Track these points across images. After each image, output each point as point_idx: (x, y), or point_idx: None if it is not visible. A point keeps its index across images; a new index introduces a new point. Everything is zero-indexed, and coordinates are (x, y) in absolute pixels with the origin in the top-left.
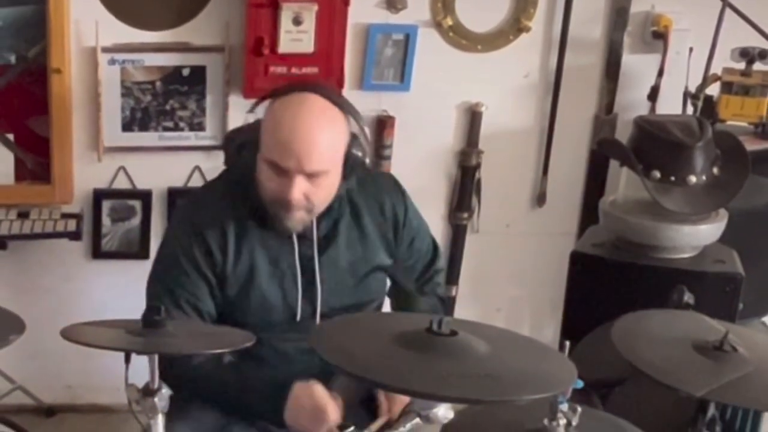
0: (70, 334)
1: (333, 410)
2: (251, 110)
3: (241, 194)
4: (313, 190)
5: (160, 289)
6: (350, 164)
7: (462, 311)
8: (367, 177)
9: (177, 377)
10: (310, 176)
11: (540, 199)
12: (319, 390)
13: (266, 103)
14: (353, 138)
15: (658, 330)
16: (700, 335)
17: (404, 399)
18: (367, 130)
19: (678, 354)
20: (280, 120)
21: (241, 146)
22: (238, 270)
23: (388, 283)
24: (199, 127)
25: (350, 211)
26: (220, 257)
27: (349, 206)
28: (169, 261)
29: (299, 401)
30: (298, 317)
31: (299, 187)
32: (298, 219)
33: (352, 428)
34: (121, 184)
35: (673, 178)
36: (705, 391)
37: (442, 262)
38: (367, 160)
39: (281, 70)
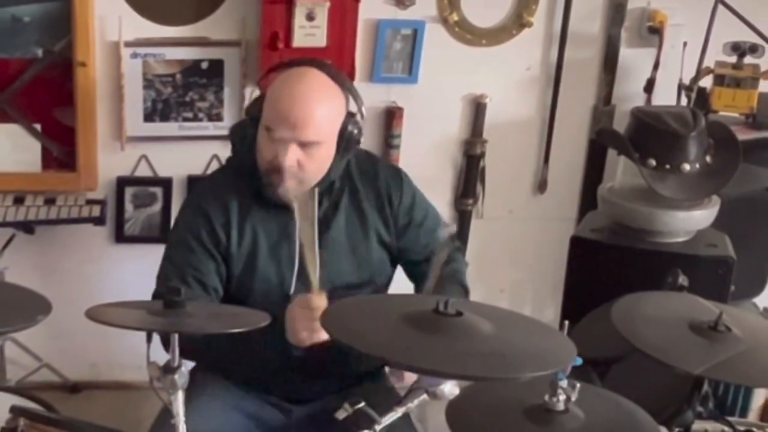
0: (94, 314)
1: (317, 297)
2: (258, 83)
3: (245, 178)
4: (306, 160)
5: (169, 267)
6: (345, 140)
7: None
8: (369, 165)
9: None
10: (304, 145)
11: (541, 186)
12: (303, 297)
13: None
14: (350, 116)
15: (655, 311)
16: (695, 316)
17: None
18: (363, 110)
19: (675, 334)
20: (280, 91)
21: (244, 138)
22: (242, 248)
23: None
24: (217, 117)
25: (349, 193)
26: (224, 236)
27: (348, 189)
28: (177, 241)
29: (290, 316)
30: (291, 293)
31: (293, 155)
32: (289, 186)
33: (362, 404)
34: (143, 171)
35: (668, 166)
36: (701, 369)
37: (458, 243)
38: (362, 138)
39: None
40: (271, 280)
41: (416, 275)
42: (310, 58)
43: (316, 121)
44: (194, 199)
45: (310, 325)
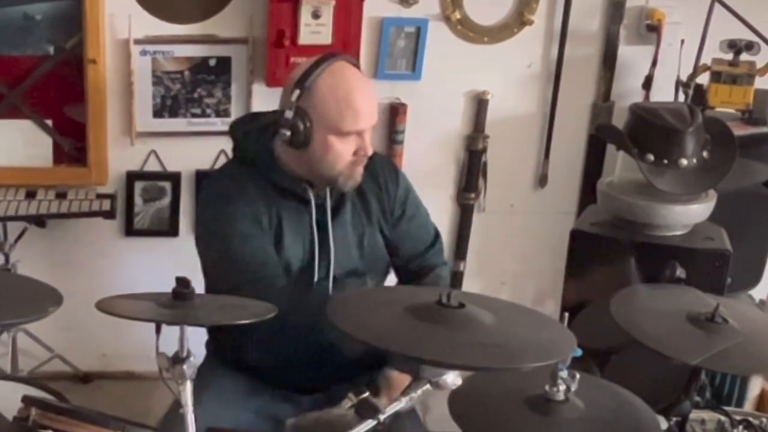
0: (104, 306)
1: None
2: (296, 87)
3: (260, 171)
4: (373, 143)
5: (237, 261)
6: None
7: (469, 285)
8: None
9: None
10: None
11: (542, 180)
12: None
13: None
14: None
15: (653, 303)
16: (693, 308)
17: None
18: None
19: (673, 325)
20: (342, 93)
21: (246, 133)
22: (272, 226)
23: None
24: (225, 113)
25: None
26: (258, 216)
27: None
28: (228, 236)
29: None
30: (315, 278)
31: (370, 142)
32: (362, 171)
33: (366, 394)
34: (152, 166)
35: (665, 161)
36: (699, 359)
37: (441, 252)
38: None
39: (301, 60)
40: (294, 265)
41: (398, 268)
42: (330, 54)
43: (376, 98)
44: (217, 193)
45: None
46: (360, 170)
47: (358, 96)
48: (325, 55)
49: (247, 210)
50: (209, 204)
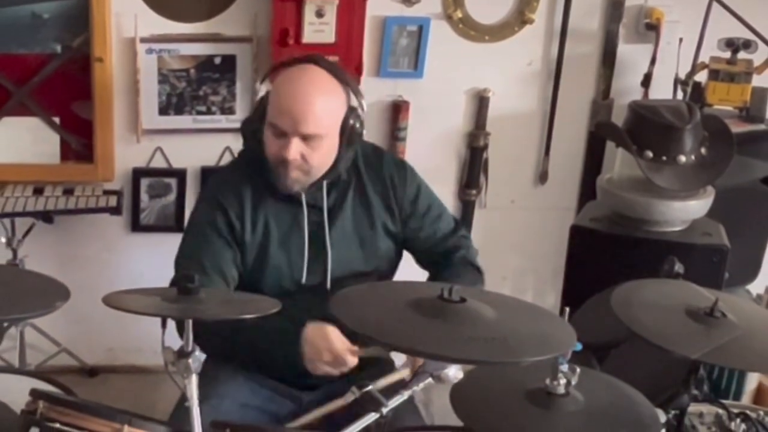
0: (111, 300)
1: (351, 357)
2: (262, 81)
3: (257, 171)
4: (309, 152)
5: (187, 258)
6: (347, 133)
7: None
8: (375, 158)
9: (201, 336)
10: (306, 139)
11: (542, 177)
12: (332, 336)
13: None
14: (351, 110)
15: (653, 298)
16: (692, 302)
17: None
18: (364, 103)
19: (672, 319)
20: (282, 88)
21: (254, 132)
22: (255, 238)
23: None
24: (230, 111)
25: (356, 185)
26: (239, 226)
27: (355, 181)
28: (196, 233)
29: (315, 345)
30: (303, 281)
31: (296, 148)
32: (294, 178)
33: (370, 387)
34: (158, 163)
35: (664, 158)
36: (699, 354)
37: (465, 234)
38: (365, 132)
39: None
40: (282, 268)
41: (426, 262)
42: (310, 55)
43: (316, 115)
44: (210, 193)
45: (330, 369)
46: (291, 175)
47: (294, 97)
48: (301, 57)
49: (220, 216)
50: (199, 196)
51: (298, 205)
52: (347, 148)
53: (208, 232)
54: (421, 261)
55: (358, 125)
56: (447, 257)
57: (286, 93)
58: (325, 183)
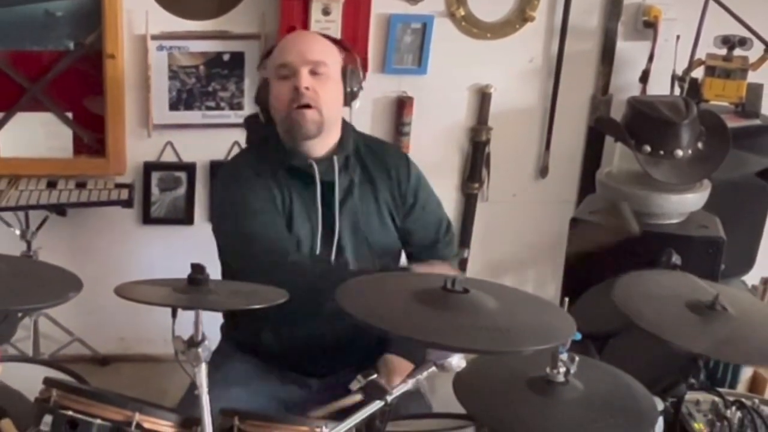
0: (122, 291)
1: None
2: (259, 67)
3: (269, 152)
4: (319, 86)
5: (248, 236)
6: (348, 79)
7: (473, 271)
8: (377, 146)
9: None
10: (313, 72)
11: (543, 170)
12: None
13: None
14: (348, 61)
15: (653, 289)
16: (691, 294)
17: (404, 370)
18: (360, 71)
19: (673, 312)
20: (282, 42)
21: (257, 122)
22: (284, 206)
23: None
24: (238, 106)
25: (362, 171)
26: (272, 196)
27: (360, 167)
28: (240, 213)
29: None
30: (318, 252)
31: (306, 78)
32: (311, 118)
33: (374, 375)
34: (169, 157)
35: (662, 152)
36: (702, 348)
37: (453, 241)
38: (369, 126)
39: None
40: (304, 241)
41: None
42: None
43: (319, 44)
44: (231, 176)
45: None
46: (305, 113)
47: (291, 38)
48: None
49: (258, 189)
50: (223, 187)
51: (311, 181)
52: (351, 102)
53: (256, 206)
54: (408, 254)
55: (356, 77)
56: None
57: (287, 40)
58: (335, 158)
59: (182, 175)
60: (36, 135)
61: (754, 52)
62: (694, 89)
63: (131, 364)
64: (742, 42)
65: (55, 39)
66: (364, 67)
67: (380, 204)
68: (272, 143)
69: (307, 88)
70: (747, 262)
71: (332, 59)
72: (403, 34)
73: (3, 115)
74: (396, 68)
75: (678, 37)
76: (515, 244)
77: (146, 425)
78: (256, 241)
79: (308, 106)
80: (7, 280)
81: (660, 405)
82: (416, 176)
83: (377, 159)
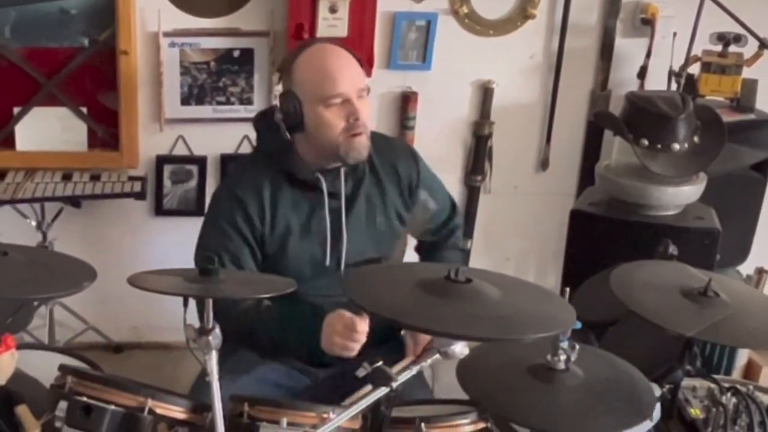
0: (135, 281)
1: (361, 322)
2: (279, 79)
3: (276, 162)
4: (363, 110)
5: (206, 253)
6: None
7: (476, 261)
8: (384, 144)
9: (225, 321)
10: (359, 97)
11: (544, 164)
12: (346, 312)
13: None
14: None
15: (650, 278)
16: (686, 282)
17: (426, 338)
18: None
19: (668, 299)
20: (315, 63)
21: (267, 127)
22: (275, 233)
23: (411, 240)
24: (248, 101)
25: (370, 171)
26: (259, 223)
27: (368, 168)
28: (215, 227)
29: (331, 326)
30: (327, 264)
31: (360, 109)
32: (365, 145)
33: (380, 363)
34: (180, 150)
35: (659, 146)
36: (694, 331)
37: (460, 218)
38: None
39: None
40: (303, 257)
41: (419, 244)
42: (314, 39)
43: (359, 67)
44: (229, 187)
45: (348, 345)
46: (361, 140)
47: (333, 62)
48: (304, 41)
49: (240, 213)
50: (218, 189)
51: (318, 193)
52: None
53: (227, 228)
54: (418, 250)
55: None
56: (440, 242)
57: (325, 64)
58: (342, 170)
59: (193, 168)
60: (52, 129)
61: (749, 48)
62: (690, 85)
63: (144, 352)
64: (737, 39)
65: (70, 36)
66: (370, 64)
67: (388, 205)
68: (280, 152)
69: (365, 116)
70: (742, 252)
71: (364, 75)
72: (408, 31)
73: (20, 109)
74: (401, 64)
75: (675, 34)
76: (517, 235)
77: (158, 411)
78: (202, 254)
79: (361, 134)
80: (24, 270)
81: (657, 391)
82: (423, 170)
83: (384, 156)
